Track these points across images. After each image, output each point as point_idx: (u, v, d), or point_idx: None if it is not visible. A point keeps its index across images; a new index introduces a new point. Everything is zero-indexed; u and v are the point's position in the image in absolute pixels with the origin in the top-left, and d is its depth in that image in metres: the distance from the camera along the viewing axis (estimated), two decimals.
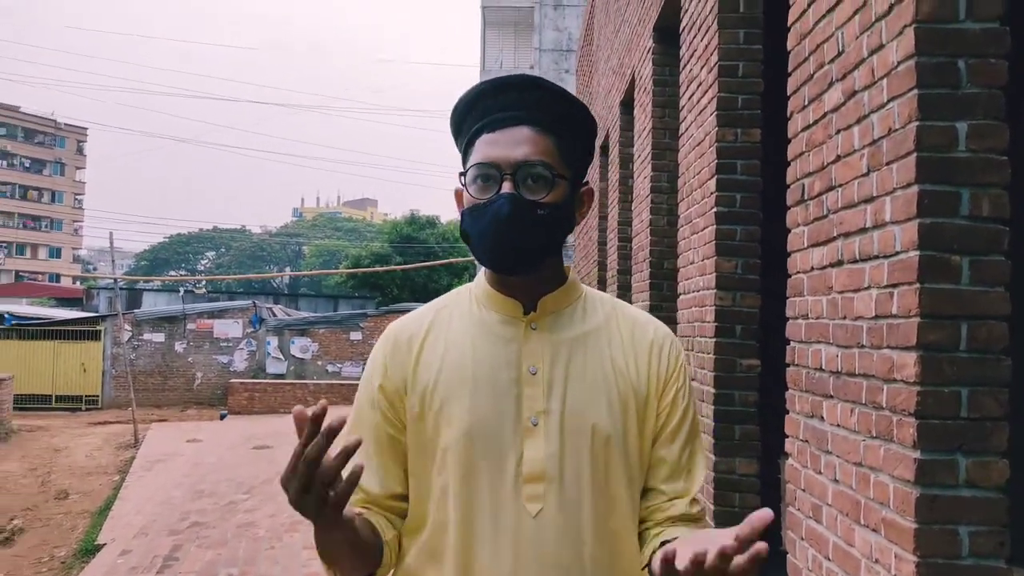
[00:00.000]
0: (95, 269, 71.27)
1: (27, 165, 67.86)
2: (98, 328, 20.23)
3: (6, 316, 19.49)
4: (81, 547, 7.30)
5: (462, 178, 1.21)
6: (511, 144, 1.16)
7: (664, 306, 5.85)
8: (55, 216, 69.70)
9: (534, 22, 23.51)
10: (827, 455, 2.51)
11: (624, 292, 7.64)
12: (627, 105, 7.92)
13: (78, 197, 72.38)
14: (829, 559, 2.47)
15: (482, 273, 1.28)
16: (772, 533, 3.50)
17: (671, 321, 5.46)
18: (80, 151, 72.44)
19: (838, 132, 2.49)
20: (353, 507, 1.16)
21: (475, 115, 1.20)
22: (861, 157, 2.31)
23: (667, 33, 5.89)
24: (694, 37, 4.64)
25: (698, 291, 4.32)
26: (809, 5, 2.78)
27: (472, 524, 1.14)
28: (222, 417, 17.32)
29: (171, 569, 5.68)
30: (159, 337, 20.36)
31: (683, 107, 4.92)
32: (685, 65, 4.87)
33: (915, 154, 1.99)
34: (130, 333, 19.04)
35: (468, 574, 1.14)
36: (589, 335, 1.23)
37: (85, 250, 77.69)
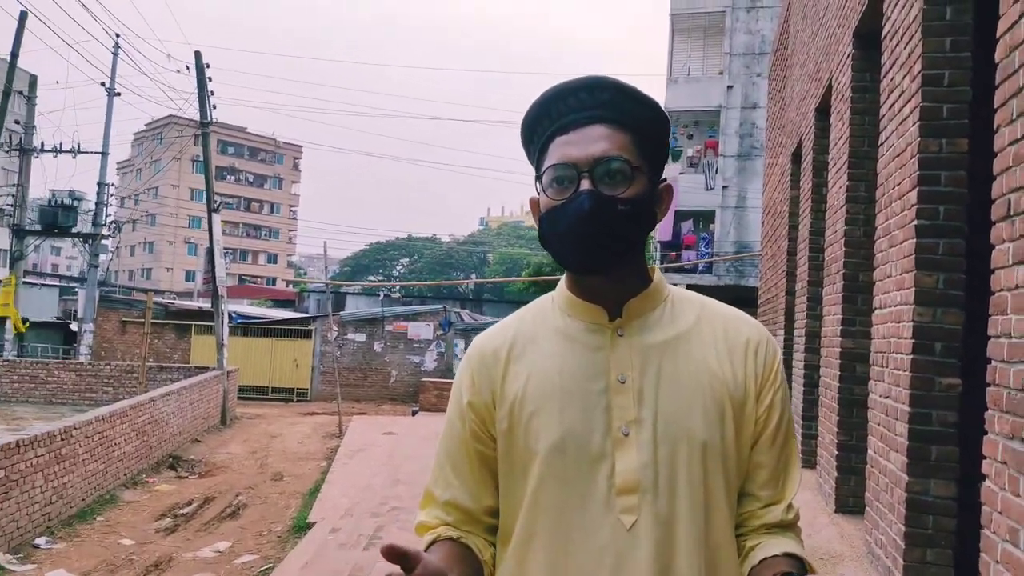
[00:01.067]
0: (306, 274, 77.67)
1: (251, 180, 75.35)
2: (309, 328, 22.22)
3: (233, 315, 21.78)
4: (294, 524, 8.11)
5: (538, 184, 1.17)
6: (587, 142, 1.12)
7: (858, 320, 5.66)
8: (273, 225, 76.82)
9: (725, 26, 23.02)
10: None
11: (814, 304, 7.41)
12: (823, 111, 7.68)
13: (293, 208, 79.40)
14: None
15: (563, 281, 1.24)
16: (969, 558, 3.36)
17: (865, 336, 5.29)
18: (296, 167, 79.45)
19: None
20: (453, 530, 1.21)
21: (547, 120, 1.17)
22: None
23: (868, 39, 5.70)
24: (896, 44, 4.50)
25: (895, 306, 4.19)
26: (1021, 16, 2.68)
27: (565, 536, 1.12)
28: (414, 413, 18.39)
29: (375, 547, 6.22)
30: (360, 337, 22.03)
31: (883, 116, 4.77)
32: (887, 73, 4.73)
33: None
34: (336, 333, 20.68)
35: None
36: (680, 338, 1.17)
37: (297, 256, 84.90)
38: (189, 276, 67.35)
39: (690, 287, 21.55)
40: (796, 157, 9.57)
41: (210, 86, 17.08)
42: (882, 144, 4.75)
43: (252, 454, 12.87)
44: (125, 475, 9.90)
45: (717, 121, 22.91)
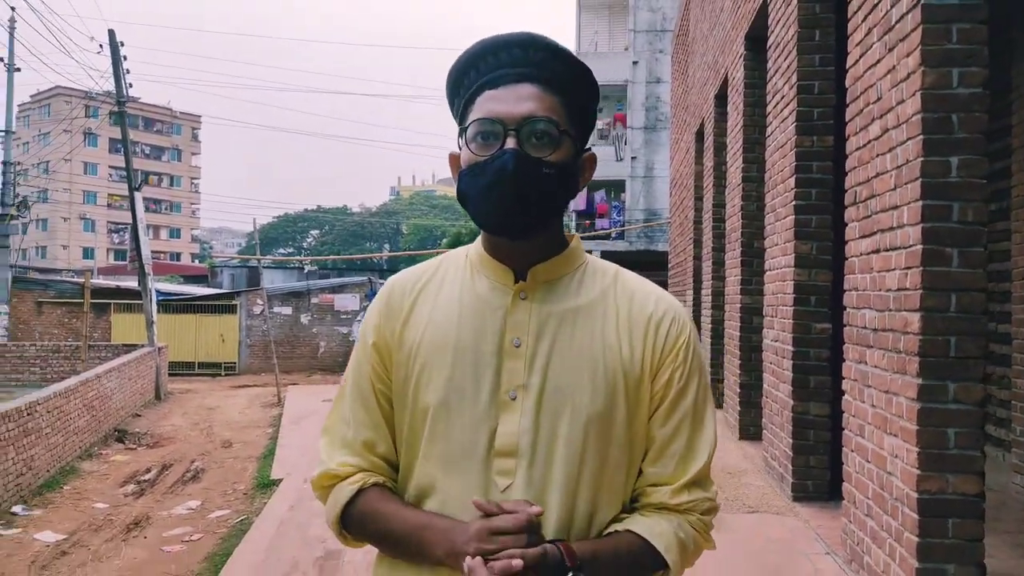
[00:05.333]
0: (211, 248, 75.89)
1: (147, 152, 72.74)
2: (234, 303, 22.42)
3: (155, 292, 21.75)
4: (258, 482, 8.79)
5: (461, 139, 1.13)
6: (516, 100, 1.09)
7: (754, 280, 6.78)
8: (174, 199, 74.57)
9: (629, 3, 24.10)
10: (868, 388, 3.49)
11: (718, 267, 8.55)
12: (721, 99, 8.74)
13: (194, 181, 77.17)
14: (868, 461, 3.46)
15: (480, 235, 1.21)
16: (839, 460, 4.47)
17: (759, 293, 6.40)
18: (195, 138, 77.07)
19: (878, 156, 3.43)
20: (376, 476, 1.19)
21: (475, 73, 1.13)
22: (891, 177, 3.26)
23: (757, 42, 6.73)
24: (778, 56, 5.53)
25: (780, 268, 5.27)
26: (860, 56, 3.70)
27: (447, 493, 1.13)
28: None
29: None
30: (287, 310, 22.39)
31: (769, 113, 5.82)
32: (771, 78, 5.76)
33: (920, 180, 2.94)
34: (262, 307, 21.03)
35: None
36: (582, 309, 1.16)
37: (200, 230, 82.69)
38: (87, 253, 64.88)
39: (604, 253, 22.81)
40: (699, 136, 10.67)
41: (124, 64, 17.02)
42: (768, 136, 5.81)
43: (195, 425, 13.33)
44: (80, 447, 10.31)
45: (624, 95, 24.08)
